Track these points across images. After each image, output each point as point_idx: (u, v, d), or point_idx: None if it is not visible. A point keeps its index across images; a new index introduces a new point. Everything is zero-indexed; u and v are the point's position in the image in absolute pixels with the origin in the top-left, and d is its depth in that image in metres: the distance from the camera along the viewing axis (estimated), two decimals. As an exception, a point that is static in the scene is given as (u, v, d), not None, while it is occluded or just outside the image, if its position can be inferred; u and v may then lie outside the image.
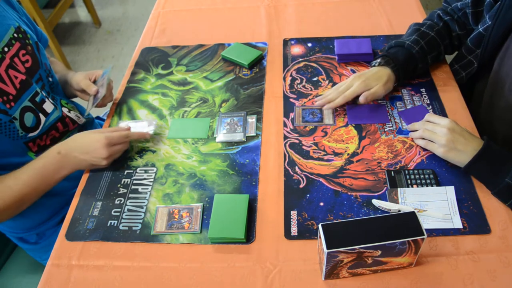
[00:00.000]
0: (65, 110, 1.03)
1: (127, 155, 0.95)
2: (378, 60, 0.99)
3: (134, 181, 0.90)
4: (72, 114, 1.03)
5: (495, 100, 0.94)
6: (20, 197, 0.84)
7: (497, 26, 0.89)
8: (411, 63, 0.97)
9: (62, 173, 0.88)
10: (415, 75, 1.02)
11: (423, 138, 0.86)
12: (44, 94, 0.96)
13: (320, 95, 1.02)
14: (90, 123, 1.14)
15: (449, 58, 1.09)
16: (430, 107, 0.97)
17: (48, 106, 0.96)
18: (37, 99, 0.93)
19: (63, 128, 1.01)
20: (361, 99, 0.94)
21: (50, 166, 0.86)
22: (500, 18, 0.87)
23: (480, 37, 0.95)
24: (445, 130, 0.81)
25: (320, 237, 0.65)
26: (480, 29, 0.95)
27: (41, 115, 0.94)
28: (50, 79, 1.02)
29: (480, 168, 0.79)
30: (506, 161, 0.76)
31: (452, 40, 1.03)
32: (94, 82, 1.03)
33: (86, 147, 0.87)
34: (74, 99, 1.13)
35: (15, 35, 0.91)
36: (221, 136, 0.96)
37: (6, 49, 0.87)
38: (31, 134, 0.92)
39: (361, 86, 0.94)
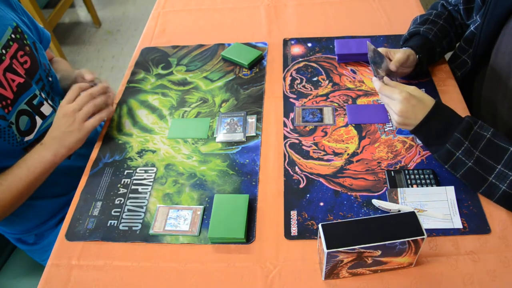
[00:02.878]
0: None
1: (126, 155, 0.95)
2: None
3: (134, 181, 0.90)
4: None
5: (494, 96, 0.94)
6: (19, 194, 0.86)
7: (486, 23, 0.90)
8: (429, 47, 0.99)
9: (55, 166, 0.89)
10: (435, 60, 1.04)
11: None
12: (44, 96, 0.96)
13: (320, 95, 1.02)
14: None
15: (446, 57, 1.10)
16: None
17: (46, 108, 0.95)
18: (35, 102, 0.92)
19: None
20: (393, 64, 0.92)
21: (43, 160, 0.87)
22: (488, 15, 0.89)
23: (473, 36, 0.96)
24: (399, 108, 0.79)
25: (320, 237, 0.65)
26: (472, 28, 0.96)
27: (37, 118, 0.93)
28: (50, 78, 1.01)
29: (426, 131, 0.80)
30: (448, 127, 0.78)
31: (457, 28, 1.05)
32: None
33: (58, 126, 0.88)
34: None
35: (13, 36, 0.90)
36: (221, 136, 0.96)
37: (4, 51, 0.87)
38: (27, 138, 0.91)
39: (384, 50, 0.93)
